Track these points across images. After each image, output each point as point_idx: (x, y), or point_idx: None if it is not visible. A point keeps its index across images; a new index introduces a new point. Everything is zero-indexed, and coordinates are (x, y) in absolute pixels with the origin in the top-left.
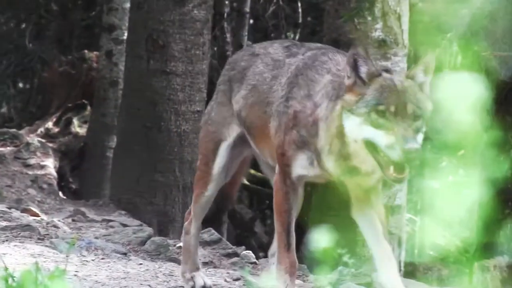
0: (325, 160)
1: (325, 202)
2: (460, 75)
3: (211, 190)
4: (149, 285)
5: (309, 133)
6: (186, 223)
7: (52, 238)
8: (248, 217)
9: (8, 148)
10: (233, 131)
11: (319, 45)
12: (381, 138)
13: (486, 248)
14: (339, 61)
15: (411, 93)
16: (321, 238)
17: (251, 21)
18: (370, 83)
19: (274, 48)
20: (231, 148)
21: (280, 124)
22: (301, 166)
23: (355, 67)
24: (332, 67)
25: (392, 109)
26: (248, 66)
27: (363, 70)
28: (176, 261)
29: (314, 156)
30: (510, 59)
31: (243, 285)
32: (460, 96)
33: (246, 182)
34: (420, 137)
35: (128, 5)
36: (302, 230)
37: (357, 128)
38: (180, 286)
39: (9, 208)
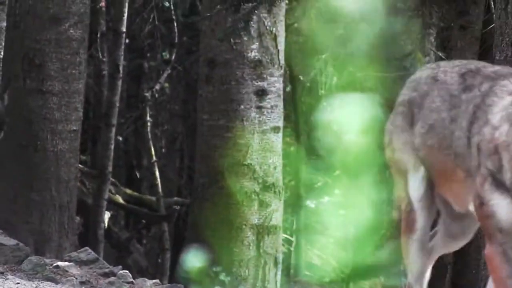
0: None
1: (202, 220)
2: (342, 96)
3: None
4: None
5: (494, 165)
6: None
7: None
8: (124, 237)
9: None
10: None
11: (496, 69)
12: None
13: (364, 269)
14: None
15: None
16: (196, 257)
17: (127, 40)
18: None
19: (452, 76)
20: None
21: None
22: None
23: None
24: None
25: None
26: (427, 94)
27: None
28: (53, 280)
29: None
30: (386, 81)
31: None
32: (342, 117)
33: (122, 201)
34: None
35: (4, 24)
36: (178, 249)
37: None
38: None
39: None
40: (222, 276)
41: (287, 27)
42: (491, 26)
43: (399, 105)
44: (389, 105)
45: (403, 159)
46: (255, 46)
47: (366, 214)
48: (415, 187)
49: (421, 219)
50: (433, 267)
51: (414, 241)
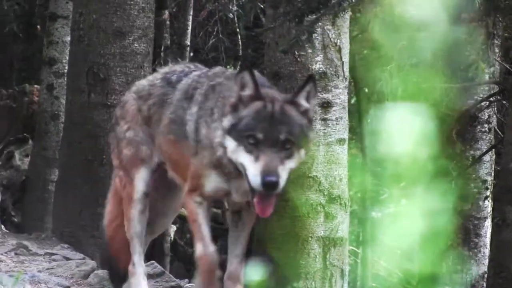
0: None
1: (268, 233)
2: (403, 106)
3: None
4: None
5: None
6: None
7: None
8: (191, 250)
9: None
10: None
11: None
12: (249, 165)
13: (429, 279)
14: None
15: (286, 120)
16: (262, 270)
17: (191, 54)
18: (249, 105)
19: None
20: None
21: None
22: None
23: (241, 88)
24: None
25: (260, 136)
26: None
27: (246, 92)
28: None
29: None
30: (451, 91)
31: None
32: (403, 128)
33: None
34: (289, 164)
35: (68, 38)
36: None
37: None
38: None
39: None
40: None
41: (352, 38)
42: None
43: None
44: (453, 116)
45: None
46: (319, 58)
47: (430, 223)
48: None
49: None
50: None
51: None
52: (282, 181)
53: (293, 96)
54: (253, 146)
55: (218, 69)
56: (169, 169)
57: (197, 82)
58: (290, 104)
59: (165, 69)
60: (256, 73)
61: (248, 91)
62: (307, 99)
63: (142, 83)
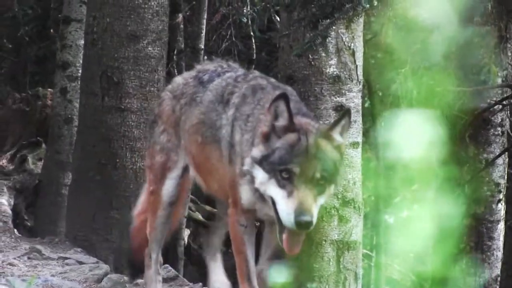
0: None
1: None
2: (414, 112)
3: None
4: None
5: None
6: None
7: (8, 276)
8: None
9: None
10: None
11: None
12: (281, 200)
13: (442, 283)
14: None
15: (321, 155)
16: (277, 273)
17: (205, 57)
18: (282, 136)
19: None
20: None
21: None
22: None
23: (275, 117)
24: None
25: (296, 170)
26: None
27: (280, 122)
28: None
29: None
30: (464, 94)
31: None
32: (414, 133)
33: (201, 218)
34: (320, 201)
35: (82, 41)
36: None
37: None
38: None
39: None
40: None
41: (365, 42)
42: None
43: None
44: (466, 119)
45: None
46: (333, 61)
47: (442, 227)
48: None
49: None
50: None
51: None
52: (315, 220)
53: (328, 130)
54: (286, 180)
55: (257, 73)
56: (193, 170)
57: (234, 86)
58: (324, 138)
59: (198, 67)
60: (293, 97)
61: (282, 122)
62: (341, 133)
63: (178, 81)
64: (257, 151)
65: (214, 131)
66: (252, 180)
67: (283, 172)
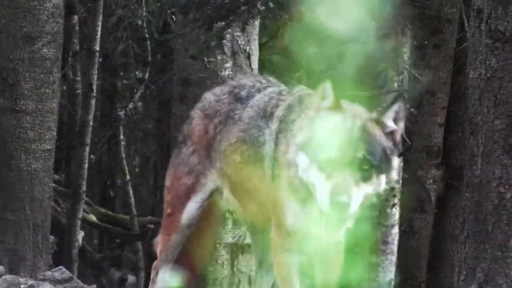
0: None
1: None
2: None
3: None
4: None
5: None
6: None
7: None
8: (98, 255)
9: None
10: None
11: None
12: (319, 183)
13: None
14: None
15: (366, 138)
16: (171, 277)
17: (100, 59)
18: (326, 118)
19: None
20: None
21: None
22: None
23: (321, 99)
24: None
25: (335, 152)
26: None
27: (325, 103)
28: None
29: None
30: (363, 99)
31: None
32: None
33: (95, 220)
34: (365, 188)
35: None
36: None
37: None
38: None
39: None
40: None
41: (260, 46)
42: (465, 44)
43: None
44: None
45: None
46: (228, 64)
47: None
48: None
49: None
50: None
51: None
52: (354, 204)
53: (378, 114)
54: (326, 163)
55: (303, 87)
56: (227, 193)
57: (278, 99)
58: (374, 122)
59: (232, 83)
60: None
61: (327, 102)
62: (395, 120)
63: (209, 98)
64: (301, 136)
65: (257, 149)
66: (297, 192)
67: (323, 153)
